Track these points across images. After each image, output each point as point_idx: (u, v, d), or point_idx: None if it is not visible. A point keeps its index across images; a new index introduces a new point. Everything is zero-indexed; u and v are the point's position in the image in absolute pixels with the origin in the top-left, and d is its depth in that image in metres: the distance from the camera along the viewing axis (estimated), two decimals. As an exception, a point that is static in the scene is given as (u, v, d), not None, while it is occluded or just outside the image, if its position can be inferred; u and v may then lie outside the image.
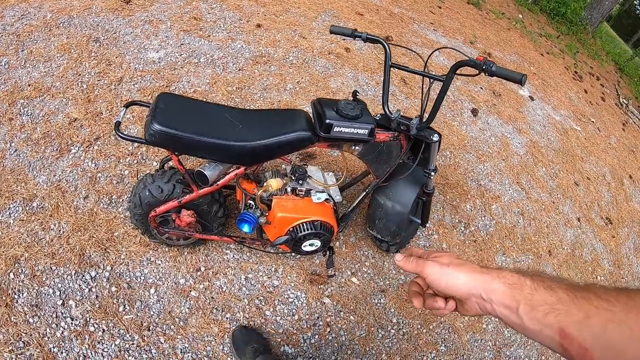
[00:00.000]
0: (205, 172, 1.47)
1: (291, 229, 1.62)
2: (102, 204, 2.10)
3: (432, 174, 1.88)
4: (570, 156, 3.72)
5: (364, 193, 1.91)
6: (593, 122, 4.43)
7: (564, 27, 6.31)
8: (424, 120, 1.67)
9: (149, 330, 1.73)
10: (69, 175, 2.19)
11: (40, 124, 2.39)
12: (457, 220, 2.65)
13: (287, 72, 2.91)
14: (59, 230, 1.96)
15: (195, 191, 1.54)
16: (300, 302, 1.96)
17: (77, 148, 2.31)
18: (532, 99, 4.09)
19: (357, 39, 1.66)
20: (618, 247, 3.18)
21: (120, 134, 1.36)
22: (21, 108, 2.43)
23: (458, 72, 1.49)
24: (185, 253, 1.96)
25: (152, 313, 1.78)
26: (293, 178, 1.66)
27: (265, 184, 1.60)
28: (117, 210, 2.09)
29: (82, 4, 3.24)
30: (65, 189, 2.14)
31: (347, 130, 1.49)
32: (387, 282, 2.20)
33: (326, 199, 1.67)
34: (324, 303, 2.00)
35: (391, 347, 2.01)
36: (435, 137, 1.69)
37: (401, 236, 2.05)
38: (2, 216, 1.96)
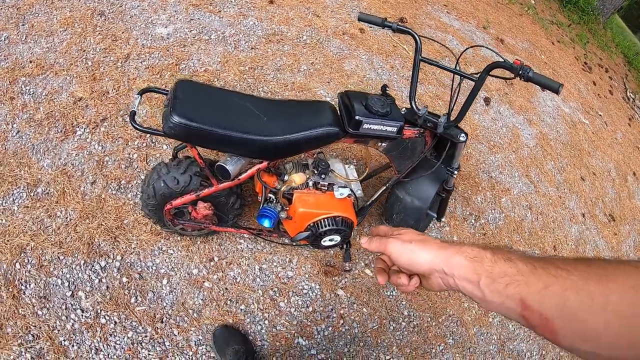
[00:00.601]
0: (227, 167, 1.40)
1: (312, 225, 1.58)
2: (110, 190, 2.03)
3: (455, 172, 1.85)
4: (577, 150, 3.71)
5: (384, 187, 1.87)
6: (600, 115, 4.41)
7: (575, 15, 6.18)
8: (452, 118, 1.62)
9: (162, 322, 1.71)
10: (75, 158, 2.11)
11: (44, 103, 2.28)
12: (468, 213, 2.64)
13: (300, 53, 2.80)
14: (66, 218, 1.90)
15: (215, 185, 1.48)
16: (314, 293, 1.95)
17: (82, 129, 2.21)
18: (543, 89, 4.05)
19: (386, 28, 1.58)
20: (619, 244, 3.22)
21: (137, 125, 1.28)
22: (23, 86, 2.31)
23: (492, 73, 1.43)
24: (198, 242, 1.92)
25: (165, 304, 1.75)
26: (315, 172, 1.61)
27: (288, 179, 1.54)
28: (127, 196, 2.02)
29: None
30: (71, 173, 2.05)
31: (376, 127, 1.44)
32: (399, 274, 2.20)
33: (348, 195, 1.63)
34: (338, 295, 1.99)
35: (402, 340, 2.03)
36: (463, 137, 1.65)
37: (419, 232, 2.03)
38: (5, 203, 1.89)
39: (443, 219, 2.29)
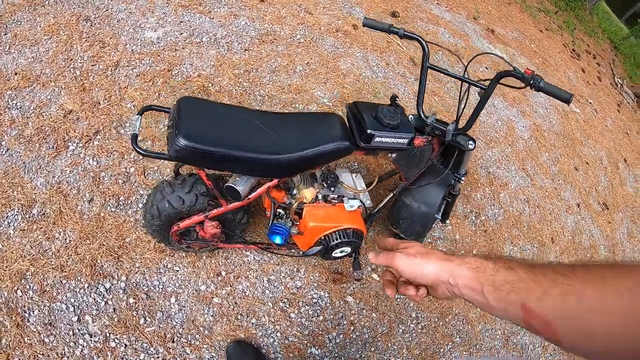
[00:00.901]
0: (237, 188, 1.37)
1: (323, 238, 1.56)
2: (109, 207, 1.96)
3: (463, 178, 1.84)
4: (570, 140, 3.75)
5: (391, 194, 1.86)
6: (591, 103, 4.46)
7: (562, 2, 6.20)
8: (460, 126, 1.60)
9: (173, 341, 1.68)
10: (70, 175, 2.02)
11: (32, 118, 2.17)
12: (468, 210, 2.65)
13: (295, 52, 2.75)
14: (65, 240, 1.83)
15: (224, 206, 1.45)
16: (324, 302, 1.95)
17: (75, 144, 2.12)
18: (509, 62, 4.07)
19: (392, 34, 1.54)
20: (613, 232, 3.30)
21: (140, 150, 1.21)
22: (9, 100, 2.20)
23: (502, 81, 1.42)
24: (204, 258, 1.88)
25: (175, 323, 1.72)
26: (324, 185, 1.59)
27: (299, 196, 1.52)
28: (127, 213, 1.96)
29: None
30: (66, 191, 1.97)
31: (387, 140, 1.41)
32: (406, 277, 2.21)
33: (358, 206, 1.62)
34: (347, 302, 2.00)
35: (411, 342, 2.05)
36: (471, 145, 1.64)
37: (425, 235, 2.04)
38: (1, 227, 1.80)
39: (447, 221, 2.29)
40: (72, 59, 2.48)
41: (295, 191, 1.56)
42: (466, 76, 1.53)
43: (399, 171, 1.78)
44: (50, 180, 1.99)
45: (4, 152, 2.01)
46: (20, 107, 2.19)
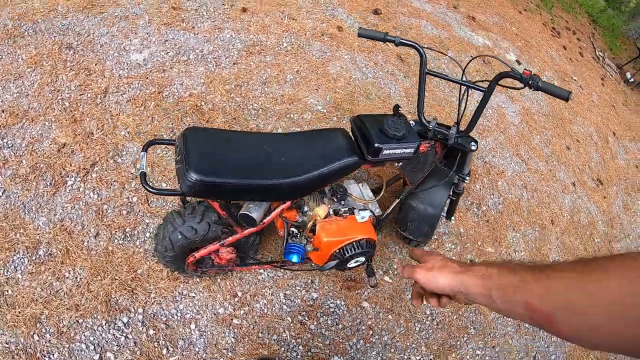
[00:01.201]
0: (252, 215, 1.37)
1: (337, 252, 1.58)
2: (116, 240, 1.94)
3: (467, 178, 1.87)
4: (559, 119, 3.81)
5: (398, 199, 1.89)
6: (575, 80, 4.53)
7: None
8: (462, 129, 1.63)
9: None
10: (72, 212, 1.99)
11: (25, 155, 2.13)
12: (469, 202, 2.69)
13: (284, 61, 2.74)
14: (76, 278, 1.81)
15: (240, 232, 1.45)
16: (341, 310, 1.97)
17: (73, 179, 2.09)
18: (519, 62, 4.10)
19: (388, 42, 1.55)
20: (609, 207, 3.38)
21: (151, 189, 1.20)
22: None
23: (500, 82, 1.44)
24: (219, 280, 1.89)
25: (197, 349, 1.73)
26: (335, 199, 1.60)
27: (312, 214, 1.53)
28: (135, 244, 1.94)
29: (45, 6, 2.85)
30: (71, 228, 1.94)
31: (395, 151, 1.43)
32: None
33: (369, 216, 1.64)
34: (363, 307, 2.02)
35: (428, 338, 2.09)
36: (474, 146, 1.66)
37: (433, 235, 2.07)
38: (7, 272, 1.77)
39: (453, 218, 2.33)
40: (59, 90, 2.43)
41: (306, 209, 1.57)
42: (464, 79, 1.55)
43: (404, 176, 1.80)
44: (53, 218, 1.96)
45: (0, 195, 1.97)
46: (12, 146, 2.15)
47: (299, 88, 2.64)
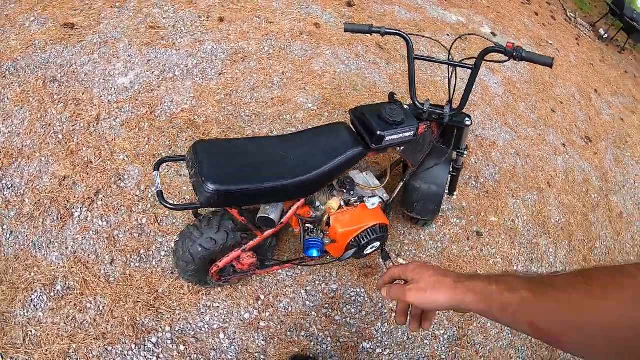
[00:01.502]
0: (270, 217, 1.41)
1: (353, 241, 1.63)
2: (132, 264, 1.96)
3: (465, 153, 1.93)
4: (541, 84, 3.90)
5: (402, 182, 1.94)
6: (551, 44, 4.63)
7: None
8: (455, 107, 1.68)
9: None
10: (83, 242, 2.00)
11: (27, 193, 2.12)
12: (467, 176, 2.76)
13: (268, 65, 2.77)
14: (98, 307, 1.82)
15: (259, 236, 1.49)
16: (361, 297, 2.03)
17: (79, 209, 2.09)
18: (494, 34, 4.18)
19: (374, 34, 1.60)
20: (601, 162, 3.48)
21: (169, 205, 1.24)
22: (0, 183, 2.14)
23: (486, 58, 1.50)
24: (240, 287, 1.92)
25: (230, 357, 1.76)
26: (344, 191, 1.65)
27: (326, 207, 1.58)
28: (152, 264, 1.96)
29: (22, 42, 2.82)
30: (85, 259, 1.95)
31: (396, 137, 1.48)
32: (428, 253, 2.31)
33: (379, 202, 1.69)
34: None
35: (449, 313, 2.15)
36: (468, 121, 1.72)
37: (439, 212, 2.13)
38: (27, 312, 1.76)
39: (455, 193, 2.39)
40: (50, 124, 2.42)
41: (318, 204, 1.62)
42: (451, 59, 1.61)
43: (405, 159, 1.85)
44: (65, 252, 1.96)
45: (8, 236, 1.96)
46: (12, 186, 2.15)
47: (287, 89, 2.67)
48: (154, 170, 1.37)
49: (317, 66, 2.89)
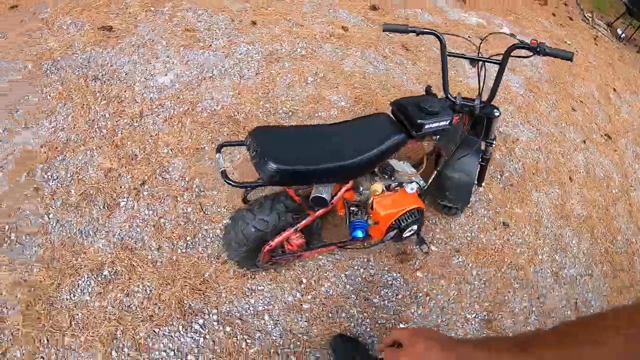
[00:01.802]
0: (323, 196, 1.53)
1: (394, 223, 1.74)
2: (179, 250, 2.05)
3: (493, 143, 2.04)
4: (561, 84, 3.98)
5: (436, 171, 2.05)
6: (569, 44, 4.71)
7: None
8: (485, 99, 1.80)
9: (278, 354, 1.80)
10: (130, 230, 2.10)
11: (73, 185, 2.23)
12: (493, 171, 2.86)
13: (301, 65, 2.91)
14: (146, 291, 1.90)
15: (311, 215, 1.61)
16: (398, 282, 2.13)
17: (125, 199, 2.21)
18: (513, 35, 4.28)
19: (410, 33, 1.73)
20: (622, 158, 3.54)
21: (233, 182, 1.36)
22: (43, 174, 2.26)
23: (512, 53, 1.61)
24: (283, 272, 2.02)
25: (274, 338, 1.84)
26: (386, 177, 1.76)
27: (371, 190, 1.69)
28: (198, 250, 2.06)
29: (62, 44, 2.98)
30: (132, 246, 2.05)
31: (434, 125, 1.60)
32: (458, 241, 2.40)
33: (417, 187, 1.80)
34: (418, 276, 2.18)
35: (479, 297, 2.24)
36: (497, 113, 1.84)
37: (469, 202, 2.23)
38: (74, 297, 1.84)
39: (483, 184, 2.49)
40: (94, 120, 2.55)
41: (361, 188, 1.74)
42: (480, 55, 1.73)
43: (439, 149, 1.96)
44: (112, 239, 2.05)
45: (54, 225, 2.06)
46: (57, 178, 2.24)
47: (321, 88, 2.80)
48: (217, 153, 1.49)
49: (347, 67, 3.02)
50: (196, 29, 3.13)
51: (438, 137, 1.79)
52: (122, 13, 3.39)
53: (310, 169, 1.38)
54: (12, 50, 2.88)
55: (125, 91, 2.71)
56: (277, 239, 1.64)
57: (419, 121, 1.55)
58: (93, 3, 3.39)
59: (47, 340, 1.73)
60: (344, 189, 1.61)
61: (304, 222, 1.62)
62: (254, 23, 3.18)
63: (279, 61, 2.90)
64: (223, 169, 1.42)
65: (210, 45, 2.97)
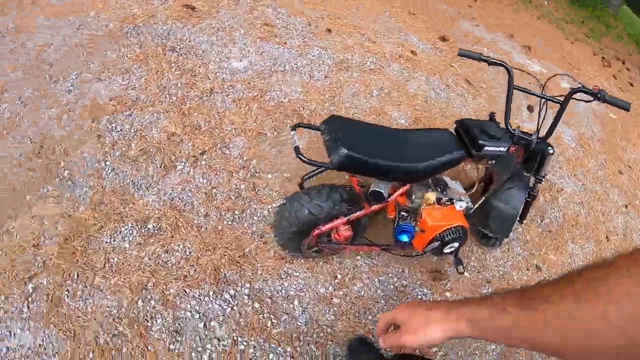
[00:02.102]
0: (381, 191, 1.64)
1: (439, 235, 1.80)
2: (225, 221, 2.13)
3: (543, 180, 2.09)
4: (612, 145, 3.97)
5: (484, 197, 2.10)
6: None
7: (586, 11, 6.47)
8: (542, 135, 1.87)
9: (299, 340, 1.83)
10: (182, 193, 2.19)
11: (135, 140, 2.36)
12: (534, 214, 2.88)
13: (368, 78, 3.03)
14: (185, 252, 1.97)
15: (366, 208, 1.70)
16: (427, 298, 2.17)
17: (182, 164, 2.31)
18: (578, 82, 4.33)
19: (482, 62, 1.83)
20: (661, 230, 3.49)
21: (304, 158, 1.48)
22: (108, 124, 2.39)
23: (574, 96, 1.70)
24: (321, 264, 2.09)
25: (299, 324, 1.88)
26: (438, 189, 1.84)
27: (424, 198, 1.78)
28: (243, 225, 2.14)
29: (145, 12, 3.20)
30: (181, 207, 2.12)
31: (493, 148, 1.69)
32: (491, 273, 2.43)
33: (465, 206, 1.87)
34: (447, 296, 2.22)
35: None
36: (551, 150, 1.90)
37: (509, 235, 2.27)
38: (114, 241, 1.93)
39: (524, 222, 2.52)
40: (165, 86, 2.72)
41: (414, 196, 1.82)
42: (543, 93, 1.82)
43: (490, 176, 2.03)
44: (163, 197, 2.15)
45: (109, 172, 2.18)
46: (121, 130, 2.38)
47: (384, 102, 2.91)
48: (292, 130, 1.62)
49: (411, 88, 3.13)
50: (274, 25, 3.31)
51: (493, 162, 1.86)
52: (205, -4, 3.61)
53: (377, 162, 1.49)
54: (96, 8, 3.12)
55: (199, 67, 2.88)
56: (328, 225, 1.72)
57: (480, 141, 1.65)
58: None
59: (77, 275, 1.81)
60: (400, 190, 1.71)
61: (357, 213, 1.71)
62: (329, 30, 3.34)
63: (348, 70, 3.03)
64: (297, 144, 1.54)
65: (286, 42, 3.13)
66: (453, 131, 1.82)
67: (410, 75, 3.22)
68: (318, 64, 3.01)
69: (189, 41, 3.06)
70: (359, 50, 3.24)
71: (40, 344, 1.68)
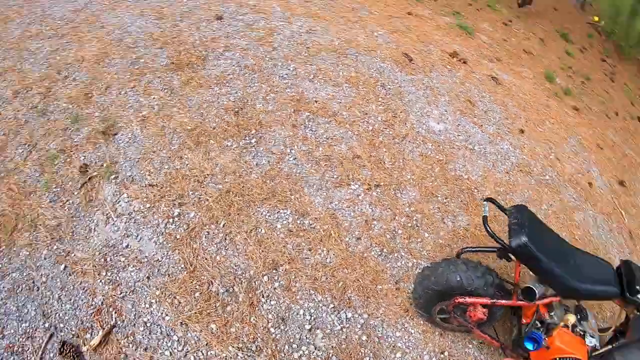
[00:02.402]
0: (536, 290, 1.76)
1: (558, 359, 1.81)
2: (373, 252, 2.28)
3: None
4: None
5: (610, 346, 2.03)
6: None
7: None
8: None
9: None
10: (345, 209, 2.37)
11: (324, 145, 2.64)
12: None
13: (542, 191, 3.13)
14: (326, 259, 2.12)
15: (513, 300, 1.83)
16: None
17: (356, 186, 2.55)
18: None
19: None
20: None
21: (488, 228, 1.70)
22: (306, 121, 2.69)
23: None
24: (436, 333, 2.16)
25: None
26: (578, 317, 1.88)
27: (565, 317, 1.86)
28: (386, 265, 2.28)
29: (368, 44, 3.62)
30: (339, 221, 2.30)
31: None
32: None
33: (594, 345, 1.87)
34: None
35: None
36: None
37: None
38: (269, 217, 2.11)
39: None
40: (367, 114, 3.05)
41: (553, 312, 1.91)
42: None
43: (625, 327, 1.99)
44: (327, 204, 2.36)
45: (291, 159, 2.44)
46: (315, 131, 2.69)
47: (549, 219, 2.97)
48: (485, 201, 1.85)
49: (577, 218, 3.13)
50: (475, 104, 3.57)
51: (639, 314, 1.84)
52: (424, 52, 4.01)
53: (547, 264, 1.66)
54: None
55: (401, 112, 3.22)
56: (471, 299, 1.83)
57: (637, 287, 1.71)
58: (404, 30, 4.05)
59: (223, 225, 2.07)
60: (550, 299, 1.81)
61: (503, 301, 1.82)
62: (521, 131, 3.51)
63: (527, 175, 3.16)
64: (486, 215, 1.77)
65: (482, 125, 3.37)
66: (615, 268, 1.89)
67: (579, 205, 3.22)
68: (503, 157, 3.19)
69: (399, 86, 3.43)
70: (542, 161, 3.34)
71: (158, 260, 1.89)
